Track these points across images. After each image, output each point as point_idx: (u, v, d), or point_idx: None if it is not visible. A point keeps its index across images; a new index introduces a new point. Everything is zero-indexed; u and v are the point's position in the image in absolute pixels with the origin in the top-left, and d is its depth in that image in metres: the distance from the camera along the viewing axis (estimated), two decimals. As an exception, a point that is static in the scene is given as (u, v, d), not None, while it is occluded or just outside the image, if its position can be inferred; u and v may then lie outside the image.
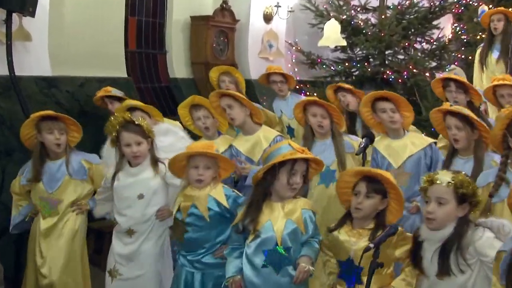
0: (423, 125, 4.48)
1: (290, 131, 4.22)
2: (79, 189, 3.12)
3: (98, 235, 3.99)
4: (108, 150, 3.04)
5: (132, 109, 3.38)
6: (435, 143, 3.14)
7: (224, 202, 2.57)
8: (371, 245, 2.03)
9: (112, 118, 2.79)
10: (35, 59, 3.83)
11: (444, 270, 2.08)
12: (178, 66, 5.51)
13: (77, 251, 3.13)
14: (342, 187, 2.45)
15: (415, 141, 3.07)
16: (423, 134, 3.50)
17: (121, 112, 3.11)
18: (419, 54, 5.74)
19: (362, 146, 2.90)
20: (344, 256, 2.34)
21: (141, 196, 2.79)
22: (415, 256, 2.19)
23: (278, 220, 2.37)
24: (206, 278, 2.60)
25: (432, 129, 3.23)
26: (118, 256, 2.86)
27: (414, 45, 5.82)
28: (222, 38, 5.75)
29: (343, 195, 2.46)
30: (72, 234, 3.10)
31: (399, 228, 2.25)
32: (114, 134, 2.75)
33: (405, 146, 3.06)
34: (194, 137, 3.34)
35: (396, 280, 2.29)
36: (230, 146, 3.28)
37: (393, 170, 3.01)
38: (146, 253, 2.82)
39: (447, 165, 2.81)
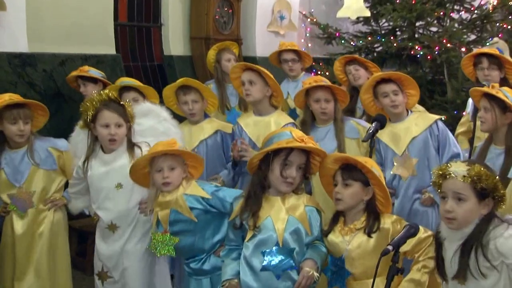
0: (445, 107, 4.39)
1: (293, 115, 4.13)
2: (50, 181, 3.04)
3: (80, 236, 3.98)
4: (75, 138, 3.01)
5: (125, 89, 3.34)
6: (441, 119, 3.11)
7: (203, 194, 2.53)
8: (390, 248, 1.98)
9: (95, 94, 2.73)
10: (10, 33, 3.78)
11: (461, 272, 2.00)
12: (174, 41, 5.44)
13: (58, 253, 3.09)
14: (324, 175, 2.43)
15: (418, 122, 3.07)
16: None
17: (114, 91, 3.08)
18: (456, 25, 5.54)
19: (370, 131, 2.83)
20: (337, 254, 2.36)
21: (119, 186, 2.75)
22: (437, 258, 2.15)
23: (279, 216, 2.33)
24: (214, 281, 2.60)
25: (455, 112, 3.16)
26: (104, 257, 2.84)
27: (451, 14, 5.61)
28: (226, 9, 5.67)
29: (328, 186, 2.44)
30: (51, 234, 3.04)
31: (394, 217, 2.27)
32: (91, 112, 2.68)
33: (407, 129, 3.06)
34: (179, 118, 3.29)
35: (403, 281, 2.24)
36: (217, 131, 3.29)
37: (397, 158, 3.05)
38: (133, 252, 2.79)
39: (483, 155, 2.71)
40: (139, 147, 2.78)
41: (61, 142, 3.09)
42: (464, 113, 3.86)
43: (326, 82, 3.22)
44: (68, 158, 3.06)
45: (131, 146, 2.78)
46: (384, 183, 2.33)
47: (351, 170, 2.31)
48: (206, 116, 3.40)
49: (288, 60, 4.29)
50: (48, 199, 3.05)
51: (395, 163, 3.08)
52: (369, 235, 2.26)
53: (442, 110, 4.02)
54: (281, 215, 2.33)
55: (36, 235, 3.02)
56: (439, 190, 2.09)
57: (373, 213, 2.31)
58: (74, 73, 3.87)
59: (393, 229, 2.28)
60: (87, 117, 2.70)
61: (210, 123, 3.35)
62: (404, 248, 2.17)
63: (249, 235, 2.33)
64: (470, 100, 3.53)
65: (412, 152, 3.04)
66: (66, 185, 3.11)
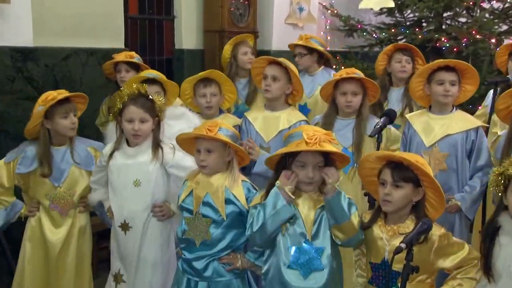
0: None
1: (304, 111, 3.97)
2: (87, 181, 2.96)
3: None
4: (112, 128, 2.99)
5: (149, 81, 3.27)
6: (486, 129, 3.02)
7: (242, 199, 2.47)
8: (402, 245, 1.95)
9: (125, 87, 2.73)
10: (14, 26, 3.69)
11: None
12: (187, 35, 5.29)
13: (85, 254, 3.02)
14: (366, 175, 2.35)
15: (459, 121, 2.98)
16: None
17: (136, 83, 3.05)
18: (487, 15, 5.32)
19: (378, 126, 2.73)
20: (378, 257, 2.25)
21: (137, 183, 2.71)
22: (487, 255, 2.09)
23: (305, 207, 2.30)
24: (212, 287, 2.52)
25: (470, 106, 3.27)
26: (119, 259, 2.81)
27: (481, 4, 5.39)
28: (241, 1, 5.50)
29: (369, 184, 2.37)
30: (80, 235, 2.98)
31: (442, 230, 2.18)
32: (118, 106, 2.67)
33: (444, 124, 2.98)
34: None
35: None
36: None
37: (426, 151, 2.98)
38: (146, 258, 2.74)
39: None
40: (162, 148, 2.72)
41: (99, 144, 3.05)
42: (480, 107, 3.79)
43: (358, 74, 3.10)
44: None
45: (156, 144, 2.74)
46: (438, 184, 2.20)
47: (402, 170, 2.19)
48: (220, 111, 3.39)
49: (295, 55, 4.19)
50: (82, 201, 2.98)
51: (423, 156, 2.91)
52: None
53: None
54: (309, 207, 2.31)
55: (70, 237, 2.95)
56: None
57: (428, 224, 2.14)
58: (120, 58, 3.77)
59: (439, 243, 2.18)
60: (116, 110, 2.70)
61: (225, 119, 3.24)
62: (447, 264, 2.18)
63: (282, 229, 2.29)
64: (490, 93, 3.48)
65: (442, 148, 2.97)
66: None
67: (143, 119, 2.67)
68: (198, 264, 2.51)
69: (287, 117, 3.17)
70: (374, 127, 2.78)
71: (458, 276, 2.19)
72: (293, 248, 2.28)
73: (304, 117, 3.23)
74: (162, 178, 2.76)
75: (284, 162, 2.32)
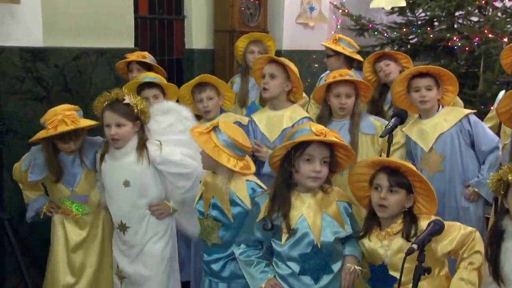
0: (472, 101, 4.29)
1: None
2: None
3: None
4: None
5: (147, 85, 3.35)
6: (473, 113, 3.01)
7: (246, 200, 2.46)
8: (415, 246, 1.94)
9: (103, 94, 2.73)
10: (24, 26, 3.69)
11: None
12: (197, 34, 5.28)
13: (106, 258, 3.03)
14: (356, 181, 2.35)
15: (447, 117, 3.03)
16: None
17: (133, 87, 3.17)
18: (499, 14, 5.27)
19: (389, 126, 2.72)
20: (377, 261, 2.27)
21: (127, 184, 2.73)
22: (495, 260, 2.08)
23: (312, 214, 2.27)
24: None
25: (483, 106, 3.24)
26: (120, 258, 2.83)
27: (494, 3, 5.34)
28: (252, 0, 5.49)
29: (358, 190, 2.37)
30: (103, 238, 3.01)
31: (432, 217, 2.19)
32: (99, 112, 2.72)
33: (435, 125, 3.02)
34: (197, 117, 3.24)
35: (453, 281, 2.17)
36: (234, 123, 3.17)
37: (424, 154, 3.02)
38: (147, 257, 2.76)
39: None
40: (146, 148, 2.72)
41: None
42: (492, 107, 3.75)
43: (351, 75, 3.11)
44: None
45: (141, 145, 2.74)
46: (430, 185, 2.24)
47: (396, 175, 2.22)
48: (222, 111, 3.38)
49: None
50: (98, 204, 2.98)
51: (422, 158, 3.01)
52: (407, 239, 2.19)
53: (469, 104, 3.93)
54: (315, 213, 2.28)
55: (91, 240, 2.97)
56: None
57: (409, 215, 2.24)
58: (133, 58, 3.78)
59: None
60: (99, 116, 2.74)
61: (226, 118, 3.26)
62: (447, 247, 2.18)
63: (284, 238, 2.27)
64: (501, 93, 3.44)
65: (438, 148, 3.00)
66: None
67: (119, 123, 2.68)
68: (216, 266, 2.53)
69: (290, 115, 3.16)
70: (385, 127, 2.77)
71: (465, 255, 2.19)
72: (303, 255, 2.26)
73: (307, 114, 3.22)
74: (153, 177, 2.76)
75: (288, 160, 2.29)
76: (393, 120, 2.78)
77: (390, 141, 2.72)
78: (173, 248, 2.88)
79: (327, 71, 4.22)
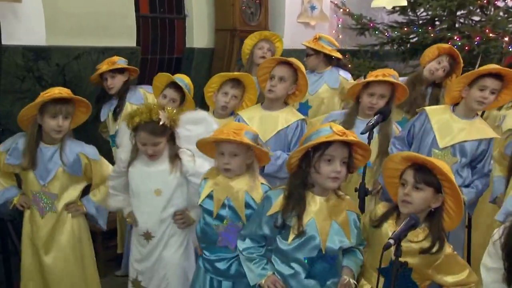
0: None
1: (304, 108, 3.97)
2: (73, 186, 2.93)
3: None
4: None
5: (173, 85, 3.42)
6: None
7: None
8: (391, 241, 1.93)
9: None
10: (27, 25, 3.69)
11: None
12: (198, 33, 5.26)
13: (86, 261, 3.01)
14: (389, 176, 2.32)
15: (478, 129, 2.94)
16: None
17: (165, 81, 3.28)
18: (501, 14, 5.28)
19: (371, 123, 2.68)
20: (386, 259, 2.18)
21: (158, 192, 2.70)
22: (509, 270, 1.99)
23: (322, 219, 2.26)
24: (237, 286, 2.52)
25: None
26: (138, 265, 2.80)
27: (496, 2, 5.35)
28: (253, -1, 5.52)
29: (391, 187, 2.33)
30: (75, 241, 2.96)
31: (450, 249, 2.14)
32: (131, 128, 2.68)
33: (464, 130, 2.95)
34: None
35: None
36: None
37: (437, 151, 2.96)
38: (170, 261, 2.75)
39: None
40: (180, 158, 2.71)
41: (91, 150, 2.96)
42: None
43: (394, 76, 3.07)
44: (96, 167, 2.96)
45: (173, 153, 2.72)
46: (460, 193, 2.18)
47: (425, 173, 2.18)
48: (231, 113, 3.37)
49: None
50: (70, 205, 2.95)
51: (433, 155, 2.93)
52: (422, 253, 2.16)
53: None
54: (325, 218, 2.27)
55: (58, 241, 2.92)
56: None
57: (436, 228, 2.18)
58: (105, 68, 3.75)
59: (442, 261, 2.18)
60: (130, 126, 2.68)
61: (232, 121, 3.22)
62: (443, 281, 2.18)
63: (291, 238, 2.26)
64: None
65: (454, 152, 2.96)
66: (85, 190, 3.02)
67: (156, 143, 2.65)
68: (221, 265, 2.51)
69: (286, 116, 3.14)
70: (367, 124, 2.73)
71: None
72: (306, 260, 2.26)
73: (302, 116, 3.19)
74: (182, 186, 2.74)
75: (307, 160, 2.26)
76: (375, 117, 2.74)
77: (370, 138, 2.67)
78: (189, 259, 2.85)
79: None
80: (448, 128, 2.97)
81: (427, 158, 2.23)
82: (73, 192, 2.95)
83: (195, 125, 2.88)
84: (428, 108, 3.12)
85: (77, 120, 2.96)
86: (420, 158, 2.22)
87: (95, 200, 2.99)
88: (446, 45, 3.82)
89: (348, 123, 3.06)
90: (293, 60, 3.12)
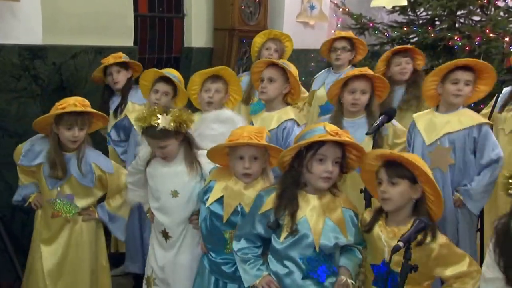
0: None
1: (328, 110, 3.93)
2: (90, 193, 2.94)
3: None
4: None
5: (164, 79, 3.37)
6: (491, 126, 2.97)
7: None
8: (400, 244, 1.93)
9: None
10: (24, 24, 3.67)
11: None
12: (197, 33, 5.25)
13: (99, 261, 3.03)
14: (367, 177, 2.35)
15: (463, 119, 2.94)
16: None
17: (152, 77, 3.29)
18: (501, 14, 5.26)
19: (376, 124, 2.70)
20: (378, 258, 2.25)
21: (175, 193, 2.67)
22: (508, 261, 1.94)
23: (315, 217, 2.25)
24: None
25: (472, 105, 3.18)
26: (154, 262, 2.79)
27: (496, 2, 5.32)
28: (252, -1, 5.49)
29: (370, 184, 2.37)
30: (89, 242, 2.97)
31: (444, 239, 2.16)
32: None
33: (447, 122, 2.97)
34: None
35: None
36: None
37: (432, 152, 2.97)
38: (182, 265, 2.73)
39: None
40: (198, 161, 2.67)
41: (106, 162, 2.97)
42: (482, 105, 3.79)
43: (371, 73, 3.07)
44: (112, 179, 2.95)
45: (189, 156, 2.68)
46: (433, 179, 2.20)
47: (395, 167, 2.20)
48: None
49: (338, 48, 4.08)
50: (84, 211, 2.94)
51: (430, 157, 2.93)
52: (418, 245, 2.13)
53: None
54: (318, 216, 2.25)
55: (68, 245, 2.91)
56: None
57: (420, 213, 2.16)
58: (112, 60, 3.72)
59: (439, 252, 2.17)
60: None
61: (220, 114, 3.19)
62: (444, 273, 2.17)
63: (283, 235, 2.26)
64: (504, 90, 3.45)
65: (444, 143, 2.96)
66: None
67: (162, 146, 2.63)
68: (227, 268, 2.51)
69: (279, 116, 3.16)
70: (372, 125, 2.75)
71: (454, 285, 2.18)
72: (304, 260, 2.25)
73: (293, 116, 3.18)
74: (199, 189, 2.69)
75: (299, 159, 2.26)
76: (380, 118, 2.75)
77: (375, 138, 2.70)
78: (198, 259, 2.80)
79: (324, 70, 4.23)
80: (432, 125, 3.00)
81: (394, 152, 2.30)
82: (89, 199, 2.95)
83: (220, 124, 2.88)
84: (415, 115, 3.17)
85: (93, 127, 2.97)
86: (388, 154, 2.26)
87: (109, 208, 3.00)
88: (387, 52, 3.91)
89: (335, 125, 3.04)
90: (279, 61, 3.17)
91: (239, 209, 2.45)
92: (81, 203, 2.92)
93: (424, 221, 2.01)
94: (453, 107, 3.00)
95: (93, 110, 2.84)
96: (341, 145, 2.26)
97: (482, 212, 3.12)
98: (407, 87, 3.72)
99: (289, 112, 3.23)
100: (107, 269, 3.10)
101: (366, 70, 3.08)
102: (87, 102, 2.85)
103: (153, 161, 2.75)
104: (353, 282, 2.26)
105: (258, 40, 4.17)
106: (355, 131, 2.96)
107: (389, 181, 2.20)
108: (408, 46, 3.92)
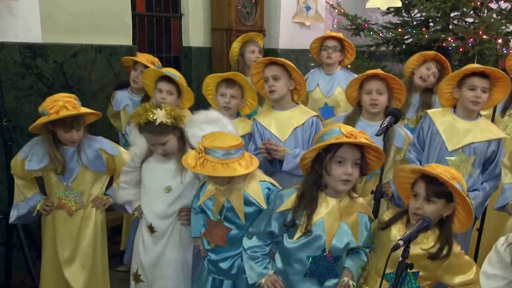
0: None
1: (327, 111, 3.98)
2: (97, 181, 2.98)
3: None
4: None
5: (166, 78, 3.37)
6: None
7: (261, 200, 2.45)
8: (400, 242, 1.91)
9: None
10: (23, 23, 3.69)
11: None
12: (194, 32, 5.30)
13: (99, 253, 3.04)
14: (400, 183, 2.32)
15: (484, 130, 2.93)
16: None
17: (154, 76, 3.29)
18: (494, 15, 5.30)
19: (384, 125, 2.66)
20: (393, 265, 2.11)
21: (168, 190, 2.72)
22: None
23: (332, 220, 2.25)
24: (238, 284, 2.55)
25: None
26: (139, 258, 2.81)
27: (489, 4, 5.38)
28: (249, -1, 5.53)
29: (403, 191, 2.33)
30: (94, 235, 3.00)
31: (458, 248, 2.14)
32: (137, 129, 2.68)
33: (470, 131, 2.93)
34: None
35: None
36: (245, 135, 3.17)
37: (452, 159, 2.92)
38: (166, 260, 2.76)
39: None
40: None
41: (110, 146, 3.00)
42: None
43: (383, 73, 3.06)
44: (119, 161, 2.99)
45: (181, 152, 2.68)
46: (470, 202, 2.17)
47: (436, 185, 2.16)
48: (238, 114, 3.35)
49: (330, 47, 4.08)
50: (96, 199, 2.98)
51: (449, 164, 2.90)
52: (430, 259, 2.16)
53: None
54: (334, 219, 2.25)
55: (81, 236, 2.95)
56: None
57: (446, 234, 2.18)
58: (144, 60, 3.74)
59: (450, 261, 2.18)
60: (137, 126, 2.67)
61: (241, 123, 3.24)
62: (452, 281, 2.18)
63: (297, 235, 2.26)
64: None
65: (468, 152, 2.93)
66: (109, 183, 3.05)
67: (162, 142, 2.65)
68: (224, 265, 2.54)
69: (299, 114, 3.13)
70: (380, 126, 2.72)
71: None
72: (311, 259, 2.26)
73: (315, 113, 3.18)
74: (192, 184, 2.74)
75: (319, 161, 2.24)
76: (387, 118, 2.73)
77: (385, 140, 2.68)
78: (186, 254, 2.85)
79: (313, 69, 4.24)
80: (453, 129, 2.95)
81: (438, 172, 2.17)
82: (98, 186, 2.99)
83: (209, 125, 2.87)
84: (430, 111, 3.12)
85: (87, 121, 2.96)
86: (431, 172, 2.18)
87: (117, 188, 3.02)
88: (431, 52, 3.84)
89: (348, 125, 3.03)
90: (277, 58, 3.13)
91: (225, 204, 2.48)
92: (94, 191, 2.97)
93: (427, 220, 2.01)
94: (472, 114, 2.97)
95: (85, 110, 2.82)
96: (360, 147, 2.21)
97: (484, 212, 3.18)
98: (421, 97, 3.71)
99: (307, 109, 3.21)
100: (106, 261, 3.13)
101: (378, 71, 3.06)
102: (75, 100, 2.80)
103: (150, 158, 2.78)
104: (354, 284, 2.27)
105: (236, 45, 4.18)
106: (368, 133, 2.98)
107: (426, 198, 2.17)
108: (445, 59, 3.85)
